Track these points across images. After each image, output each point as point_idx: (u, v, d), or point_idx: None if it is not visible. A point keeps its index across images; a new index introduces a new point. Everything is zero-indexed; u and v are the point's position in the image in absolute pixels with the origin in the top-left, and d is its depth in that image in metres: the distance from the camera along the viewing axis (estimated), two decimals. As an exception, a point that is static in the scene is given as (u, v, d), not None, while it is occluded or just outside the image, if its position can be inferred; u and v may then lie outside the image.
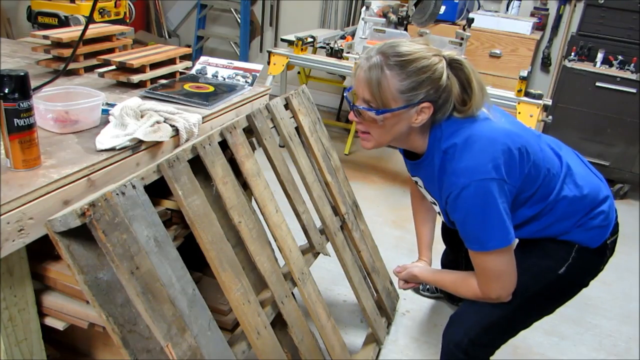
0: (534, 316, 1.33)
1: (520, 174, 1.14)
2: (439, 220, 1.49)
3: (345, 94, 1.19)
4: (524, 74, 2.42)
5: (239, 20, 4.35)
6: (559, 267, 1.24)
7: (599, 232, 1.23)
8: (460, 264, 1.85)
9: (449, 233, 1.82)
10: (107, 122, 1.12)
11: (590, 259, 1.26)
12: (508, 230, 1.13)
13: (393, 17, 3.11)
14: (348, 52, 2.87)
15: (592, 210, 1.23)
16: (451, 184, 1.12)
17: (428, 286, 2.04)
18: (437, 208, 1.33)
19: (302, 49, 2.92)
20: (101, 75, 1.45)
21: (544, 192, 1.20)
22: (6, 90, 0.85)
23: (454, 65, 1.13)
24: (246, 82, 1.57)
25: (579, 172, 1.25)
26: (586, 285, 1.31)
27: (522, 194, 1.18)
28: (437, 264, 2.19)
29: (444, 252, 1.95)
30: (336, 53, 2.86)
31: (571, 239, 1.23)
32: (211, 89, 1.46)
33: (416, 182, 1.38)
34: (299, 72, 3.68)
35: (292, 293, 1.30)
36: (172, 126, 1.17)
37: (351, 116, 1.20)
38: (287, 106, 1.56)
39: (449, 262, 1.91)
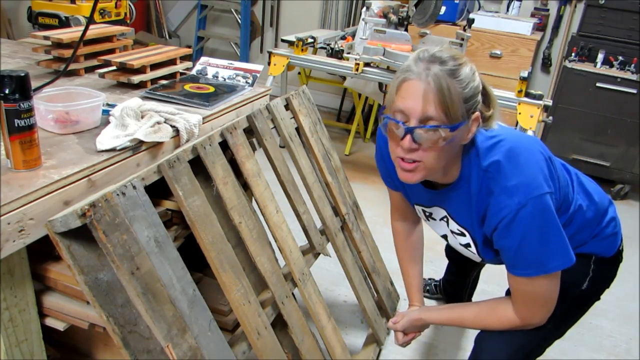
0: (556, 337, 1.27)
1: (557, 184, 1.06)
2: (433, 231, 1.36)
3: (382, 114, 1.00)
4: (525, 74, 2.42)
5: (239, 21, 4.35)
6: (582, 282, 1.20)
7: (613, 240, 1.21)
8: (464, 286, 1.80)
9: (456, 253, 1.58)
10: (108, 122, 1.12)
11: (607, 269, 1.23)
12: (569, 247, 1.03)
13: (393, 17, 3.10)
14: (348, 53, 2.87)
15: (603, 218, 1.20)
16: (503, 206, 0.99)
17: (428, 287, 2.03)
18: (464, 239, 1.20)
19: (302, 50, 2.92)
20: (102, 75, 1.45)
21: (566, 205, 1.13)
22: (7, 91, 0.85)
23: None
24: (246, 82, 1.57)
25: (584, 180, 1.23)
26: (598, 298, 1.27)
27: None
28: (437, 265, 2.19)
29: (447, 268, 1.87)
30: (336, 54, 2.86)
31: (587, 251, 1.19)
32: (211, 89, 1.46)
33: (429, 215, 1.26)
34: (299, 73, 3.68)
35: (293, 293, 1.30)
36: (173, 127, 1.17)
37: (407, 143, 0.96)
38: (288, 107, 1.56)
39: (453, 281, 1.83)
